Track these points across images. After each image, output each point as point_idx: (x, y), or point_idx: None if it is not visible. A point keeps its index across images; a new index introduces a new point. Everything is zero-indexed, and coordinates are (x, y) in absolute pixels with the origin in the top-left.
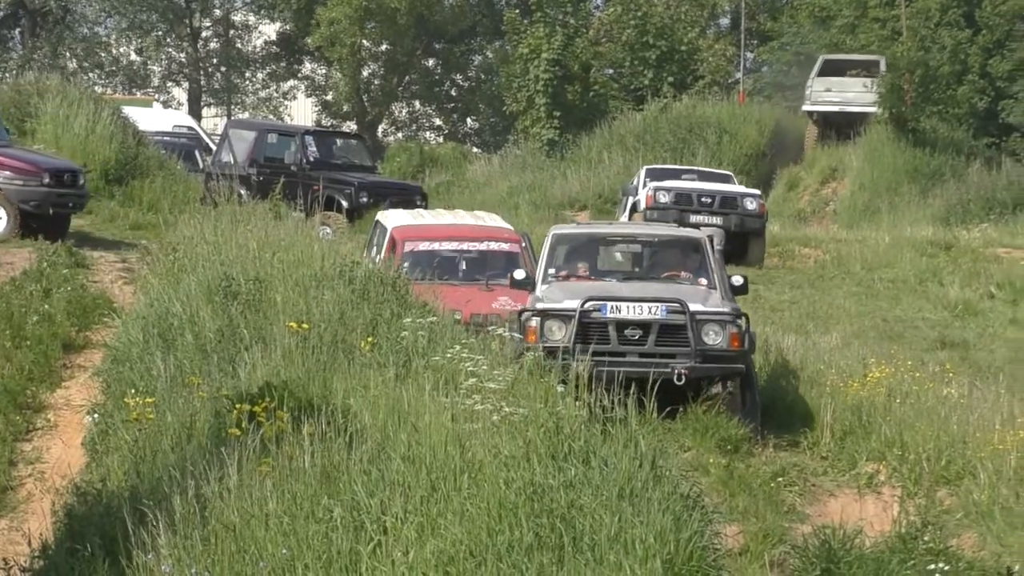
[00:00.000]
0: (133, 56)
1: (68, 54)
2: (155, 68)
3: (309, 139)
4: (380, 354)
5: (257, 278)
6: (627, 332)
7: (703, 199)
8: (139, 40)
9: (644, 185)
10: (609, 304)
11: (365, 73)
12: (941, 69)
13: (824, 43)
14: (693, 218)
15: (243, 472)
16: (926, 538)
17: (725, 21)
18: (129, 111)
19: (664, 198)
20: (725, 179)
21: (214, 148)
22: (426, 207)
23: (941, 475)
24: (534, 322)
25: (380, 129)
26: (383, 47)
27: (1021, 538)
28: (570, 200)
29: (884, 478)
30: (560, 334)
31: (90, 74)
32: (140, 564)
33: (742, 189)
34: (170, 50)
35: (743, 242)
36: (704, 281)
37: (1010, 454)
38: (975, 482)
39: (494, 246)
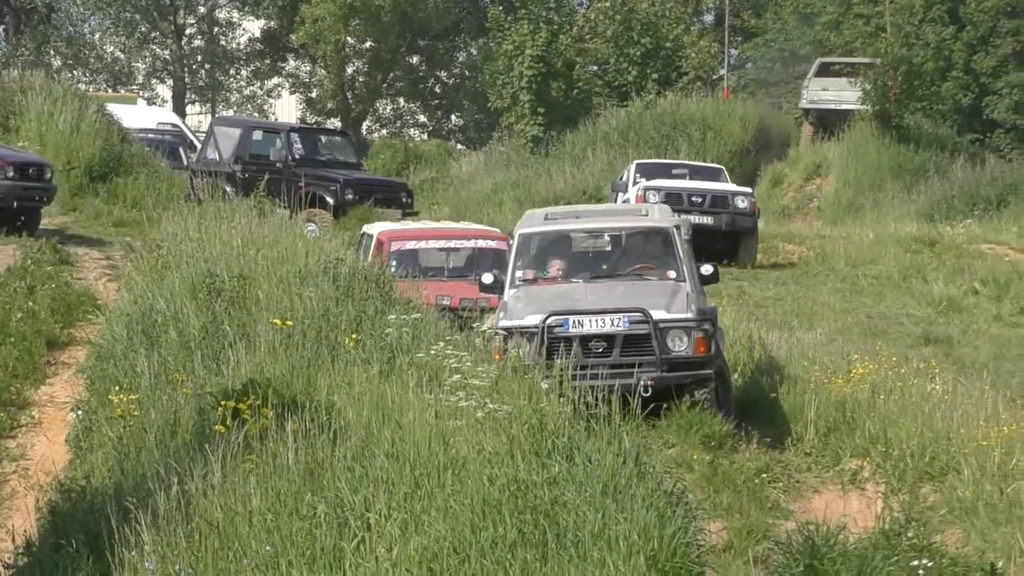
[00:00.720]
0: (118, 54)
1: (52, 52)
2: (139, 65)
3: (294, 136)
4: (364, 351)
5: (241, 275)
6: (592, 345)
7: (693, 198)
8: (124, 38)
9: (634, 181)
10: (571, 319)
11: (349, 70)
12: (925, 65)
13: (808, 40)
14: (683, 218)
15: (227, 469)
16: (910, 534)
17: (709, 18)
18: (113, 108)
19: (654, 198)
20: (716, 173)
21: (199, 145)
22: (412, 204)
23: (925, 471)
24: (498, 341)
25: (364, 126)
26: (367, 44)
27: (1005, 534)
28: (555, 197)
29: (868, 474)
30: (525, 351)
31: (74, 71)
32: (124, 561)
33: (733, 187)
34: (154, 47)
35: (735, 241)
36: (672, 273)
37: (994, 450)
38: (959, 478)
39: (481, 244)
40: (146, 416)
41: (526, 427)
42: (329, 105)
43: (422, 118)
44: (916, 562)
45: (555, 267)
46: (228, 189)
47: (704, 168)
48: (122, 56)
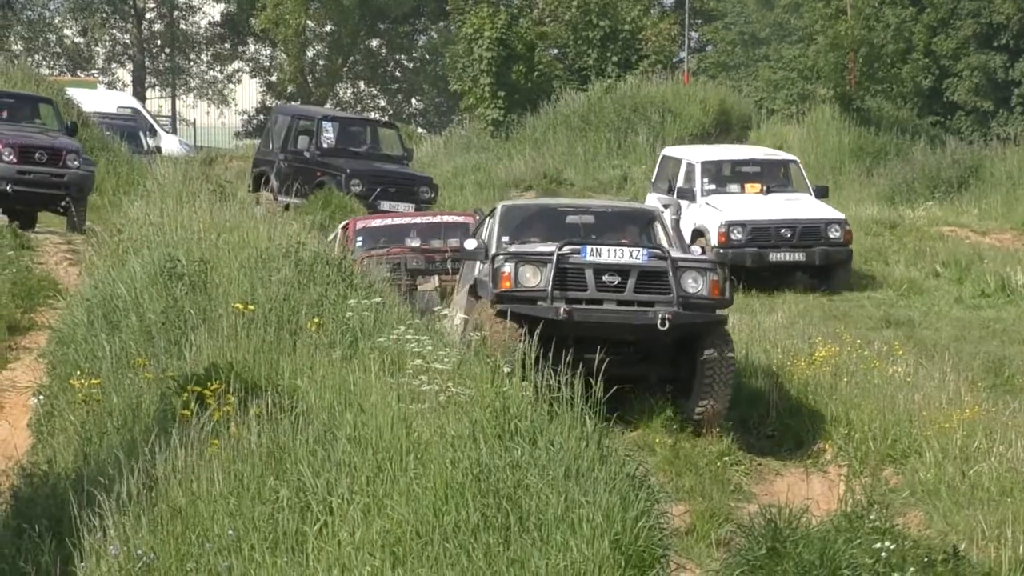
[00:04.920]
0: (77, 38)
1: (13, 37)
2: (99, 50)
3: (326, 125)
4: (326, 335)
5: (202, 259)
6: (605, 278)
7: (782, 232)
8: (84, 21)
9: (703, 189)
10: (588, 247)
11: (309, 54)
12: (885, 48)
13: (768, 23)
14: (773, 255)
15: (190, 453)
16: (872, 517)
17: (669, 0)
18: (73, 92)
19: (738, 235)
20: (788, 169)
21: (159, 130)
22: (434, 200)
23: (887, 454)
24: (508, 267)
25: (334, 110)
26: (327, 28)
27: (967, 516)
28: (515, 180)
29: (830, 457)
30: (535, 280)
31: (35, 56)
32: (87, 545)
33: (825, 215)
34: (114, 31)
35: (826, 272)
36: None
37: (956, 432)
38: (921, 461)
39: (447, 219)
40: (108, 400)
41: (488, 410)
42: (289, 89)
43: (382, 102)
44: (878, 545)
45: (537, 238)
46: (274, 180)
47: (775, 163)
48: (81, 40)
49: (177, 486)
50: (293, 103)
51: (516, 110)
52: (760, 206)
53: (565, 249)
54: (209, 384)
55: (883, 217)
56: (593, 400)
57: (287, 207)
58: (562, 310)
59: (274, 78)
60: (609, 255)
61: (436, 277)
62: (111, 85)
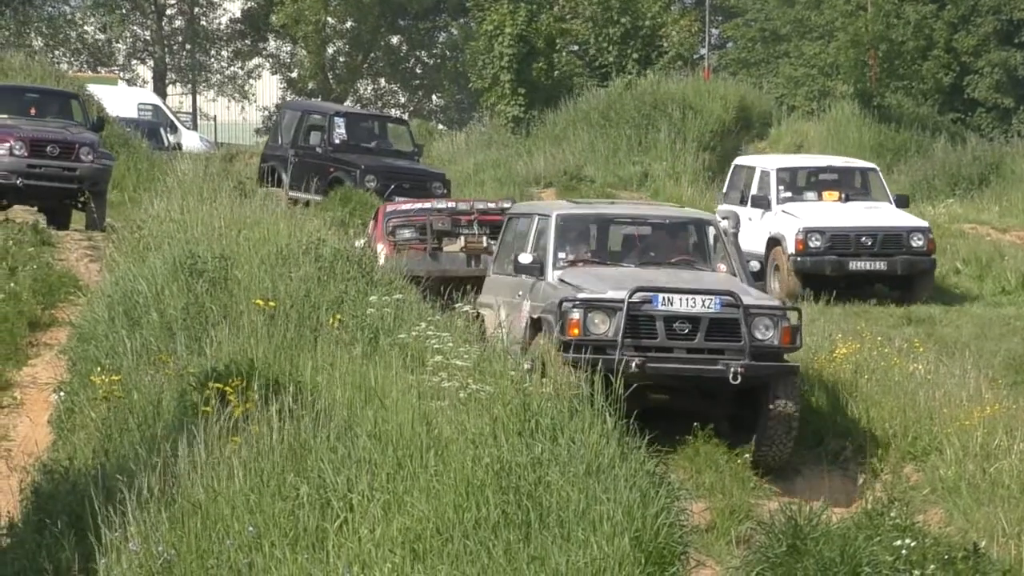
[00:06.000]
0: (98, 35)
1: (33, 33)
2: (120, 46)
3: (338, 120)
4: (347, 331)
5: (223, 256)
6: (676, 326)
7: (863, 239)
8: (104, 17)
9: (778, 196)
10: (660, 296)
11: (330, 50)
12: (906, 44)
13: (788, 19)
14: (853, 264)
15: (210, 450)
16: (892, 514)
17: None
18: (94, 89)
19: (817, 242)
20: (868, 178)
21: (179, 126)
22: (448, 195)
23: (907, 451)
24: (576, 314)
25: (345, 106)
26: (348, 24)
27: (987, 514)
28: (535, 177)
29: (850, 454)
30: (604, 327)
31: (56, 52)
32: (107, 542)
33: (907, 223)
34: (135, 27)
35: (907, 282)
36: (723, 267)
37: (976, 430)
38: (941, 458)
39: (479, 204)
40: (128, 397)
41: (509, 407)
42: (310, 85)
43: (403, 98)
44: (899, 542)
45: (592, 251)
46: (284, 176)
47: (853, 170)
48: (102, 36)
49: (198, 482)
50: (313, 99)
51: (536, 107)
52: (839, 213)
53: (636, 297)
54: (230, 381)
55: None
56: (614, 397)
57: (307, 203)
58: (635, 364)
59: (295, 74)
60: (681, 304)
61: (462, 238)
62: (131, 81)
